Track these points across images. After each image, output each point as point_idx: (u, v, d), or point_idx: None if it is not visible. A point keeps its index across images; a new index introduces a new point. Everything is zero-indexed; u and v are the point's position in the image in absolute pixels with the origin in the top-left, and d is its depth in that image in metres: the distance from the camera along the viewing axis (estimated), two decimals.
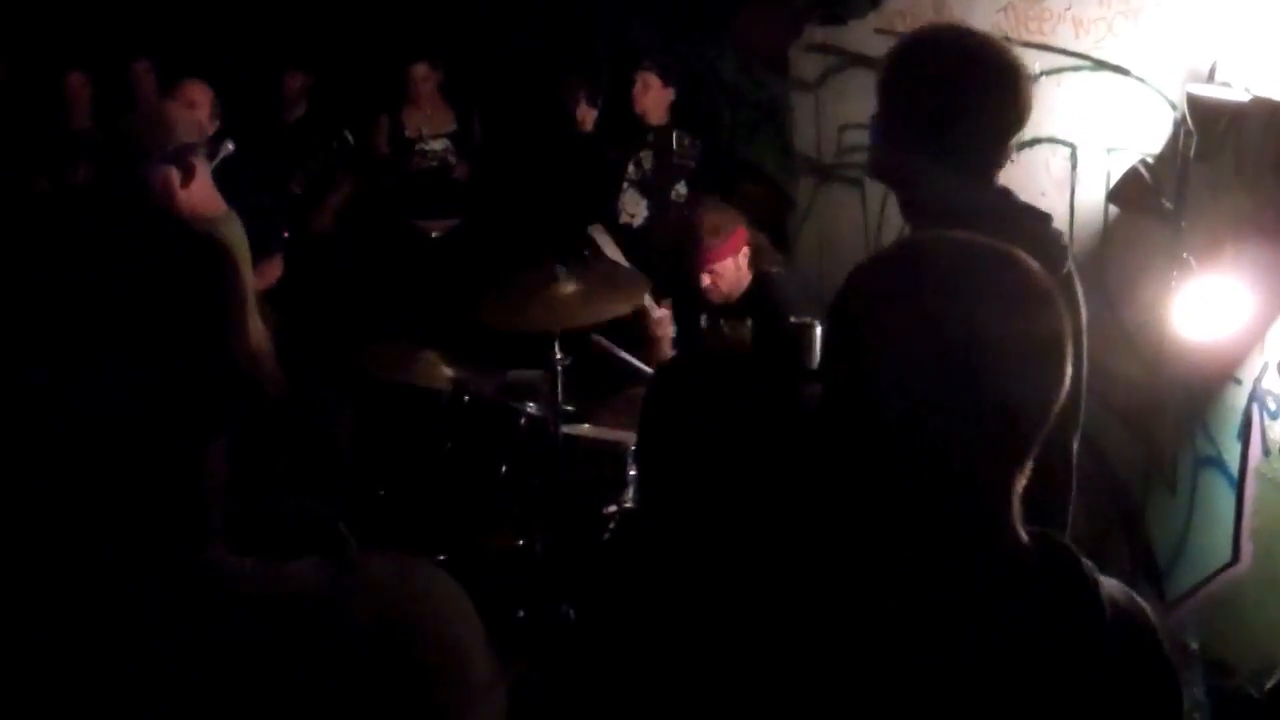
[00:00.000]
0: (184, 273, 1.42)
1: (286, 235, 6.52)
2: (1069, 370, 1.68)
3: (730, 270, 5.58)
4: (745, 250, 5.60)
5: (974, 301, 1.65)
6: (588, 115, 7.90)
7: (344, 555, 1.48)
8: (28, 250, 1.37)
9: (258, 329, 3.51)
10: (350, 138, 7.77)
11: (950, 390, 1.63)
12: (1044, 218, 3.06)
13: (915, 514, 1.71)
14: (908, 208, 3.11)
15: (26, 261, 1.37)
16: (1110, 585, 1.76)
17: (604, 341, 5.49)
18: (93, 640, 1.35)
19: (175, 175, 3.92)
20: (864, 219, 6.44)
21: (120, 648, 1.35)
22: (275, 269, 5.93)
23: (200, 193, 4.01)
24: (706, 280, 5.59)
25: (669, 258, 6.32)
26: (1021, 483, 1.71)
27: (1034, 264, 1.73)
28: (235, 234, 4.01)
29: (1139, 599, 1.81)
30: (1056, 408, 1.68)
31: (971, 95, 2.91)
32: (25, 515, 1.35)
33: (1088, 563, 1.73)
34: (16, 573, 1.35)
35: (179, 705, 1.35)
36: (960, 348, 1.62)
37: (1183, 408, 4.71)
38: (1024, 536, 1.72)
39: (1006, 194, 3.10)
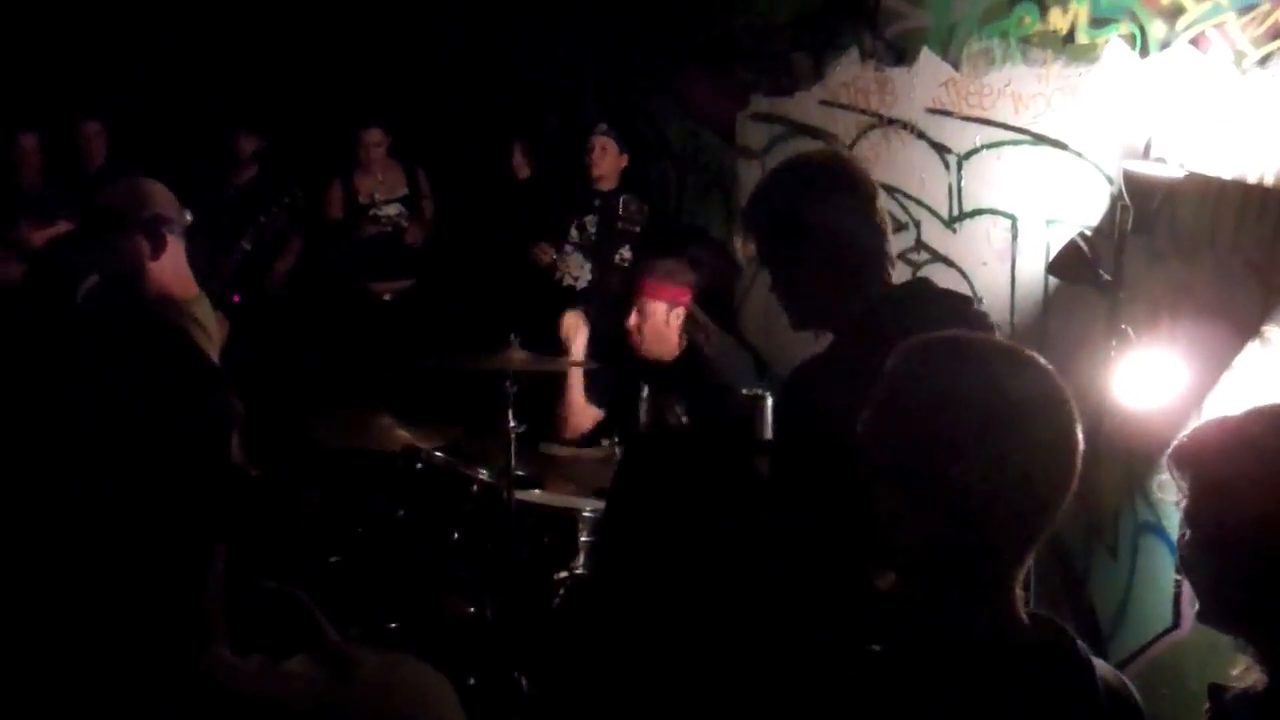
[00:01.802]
0: (190, 395, 1.47)
1: (238, 300, 6.55)
2: (1079, 466, 1.78)
3: (659, 318, 5.55)
4: (680, 309, 5.56)
5: (995, 403, 1.76)
6: (522, 165, 8.07)
7: (331, 649, 1.51)
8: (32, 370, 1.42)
9: None
10: (301, 195, 7.83)
11: (961, 488, 1.73)
12: (965, 300, 3.15)
13: (919, 597, 1.81)
14: (836, 331, 3.14)
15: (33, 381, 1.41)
16: (1102, 667, 1.86)
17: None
18: None
19: (145, 245, 3.91)
20: None
21: None
22: (221, 328, 5.95)
23: (172, 270, 3.99)
24: (633, 319, 5.56)
25: (610, 312, 6.37)
26: (1022, 572, 1.80)
27: (1052, 370, 1.84)
28: (205, 315, 4.00)
29: (1126, 680, 1.92)
30: (1064, 505, 1.79)
31: (844, 216, 3.02)
32: (35, 622, 1.39)
33: (1083, 645, 1.83)
34: (25, 681, 1.38)
35: None
36: (972, 447, 1.73)
37: (1122, 474, 4.80)
38: (1025, 619, 1.81)
39: (925, 283, 3.21)
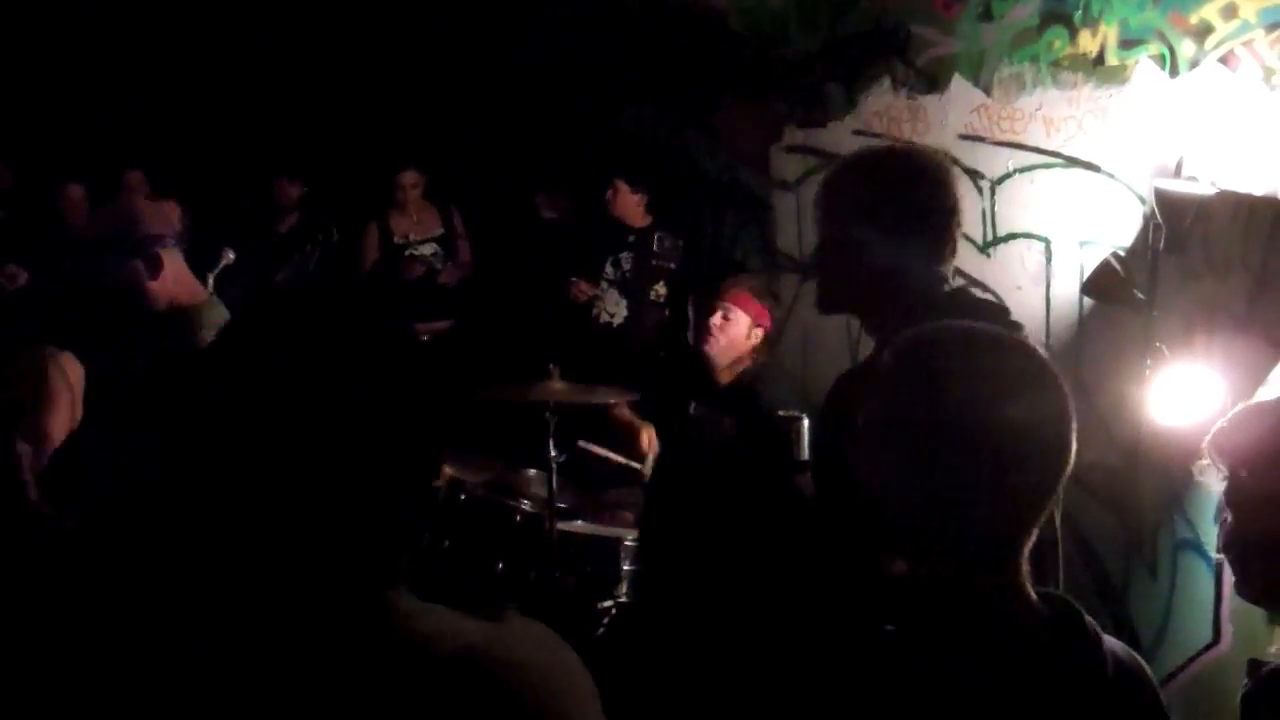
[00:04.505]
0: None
1: None
2: (1074, 442, 1.83)
3: (740, 329, 5.59)
4: (760, 330, 5.63)
5: (988, 383, 1.81)
6: (546, 209, 8.19)
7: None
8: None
9: None
10: (335, 232, 7.93)
11: (967, 467, 1.78)
12: (1002, 310, 3.17)
13: (927, 579, 1.85)
14: (871, 326, 3.16)
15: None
16: (1111, 642, 1.90)
17: (590, 446, 5.60)
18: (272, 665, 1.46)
19: (141, 267, 3.90)
20: (846, 316, 6.55)
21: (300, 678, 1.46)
22: None
23: (175, 281, 3.98)
24: (718, 319, 5.59)
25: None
26: (1029, 545, 1.85)
27: (1035, 345, 1.91)
28: (219, 318, 3.95)
29: (1138, 656, 1.95)
30: (1065, 477, 1.83)
31: (903, 205, 3.01)
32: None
33: (1090, 620, 1.87)
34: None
35: None
36: (973, 427, 1.78)
37: (1160, 492, 4.82)
38: (1033, 595, 1.86)
39: (963, 291, 3.22)
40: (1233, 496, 2.18)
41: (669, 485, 2.96)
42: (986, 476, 1.78)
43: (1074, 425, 1.83)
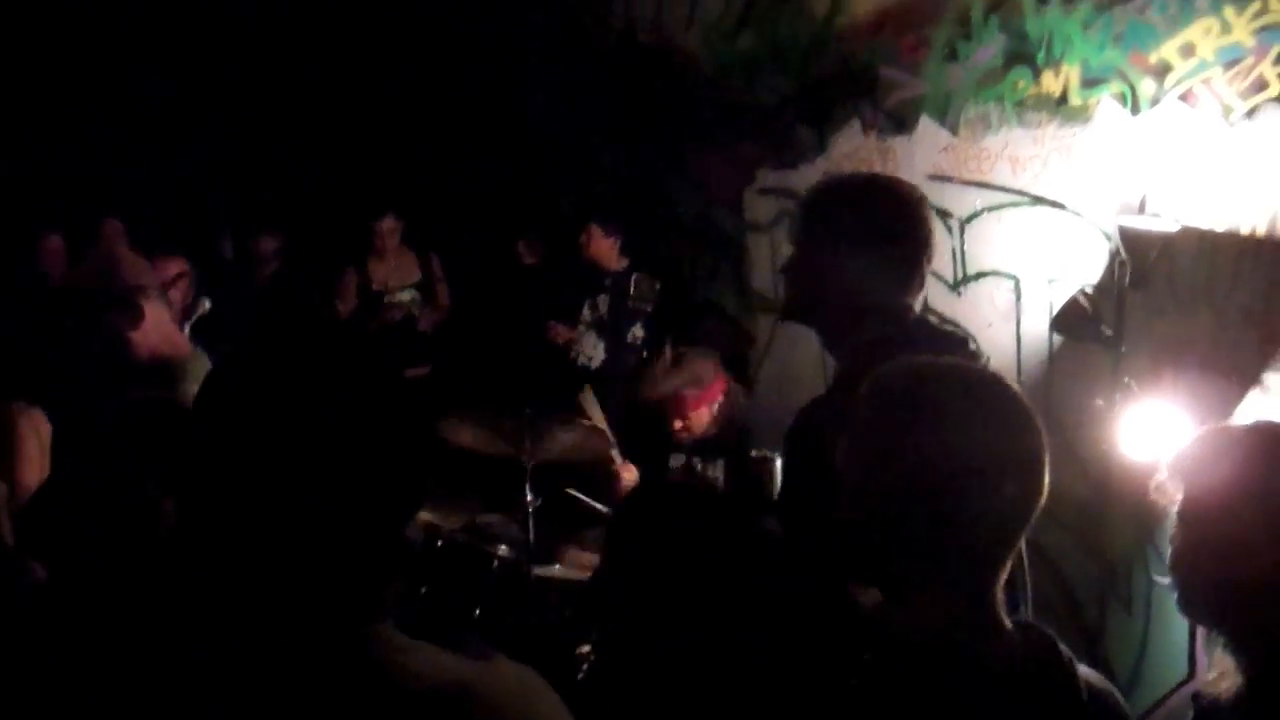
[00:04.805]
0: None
1: None
2: (1047, 473, 1.89)
3: (704, 418, 5.62)
4: (720, 400, 5.65)
5: (966, 415, 1.87)
6: (527, 255, 8.24)
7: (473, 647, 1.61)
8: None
9: None
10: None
11: (944, 497, 1.84)
12: (961, 341, 3.19)
13: (902, 607, 1.90)
14: (831, 344, 3.19)
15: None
16: (1085, 670, 1.94)
17: (579, 495, 5.60)
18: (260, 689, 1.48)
19: (124, 319, 3.84)
20: (821, 354, 6.56)
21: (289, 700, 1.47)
22: None
23: (158, 333, 3.92)
24: (679, 425, 5.62)
25: (645, 411, 6.43)
26: (1004, 574, 1.90)
27: (1011, 382, 1.96)
28: (202, 369, 3.88)
29: (1110, 684, 2.00)
30: (1039, 506, 1.89)
31: (881, 232, 3.03)
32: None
33: (1065, 649, 1.92)
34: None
35: None
36: (950, 457, 1.84)
37: (1133, 527, 4.84)
38: (1008, 623, 1.90)
39: (923, 323, 3.25)
40: (1185, 516, 2.21)
41: (632, 526, 2.94)
42: (963, 506, 1.84)
43: (1047, 457, 1.89)
